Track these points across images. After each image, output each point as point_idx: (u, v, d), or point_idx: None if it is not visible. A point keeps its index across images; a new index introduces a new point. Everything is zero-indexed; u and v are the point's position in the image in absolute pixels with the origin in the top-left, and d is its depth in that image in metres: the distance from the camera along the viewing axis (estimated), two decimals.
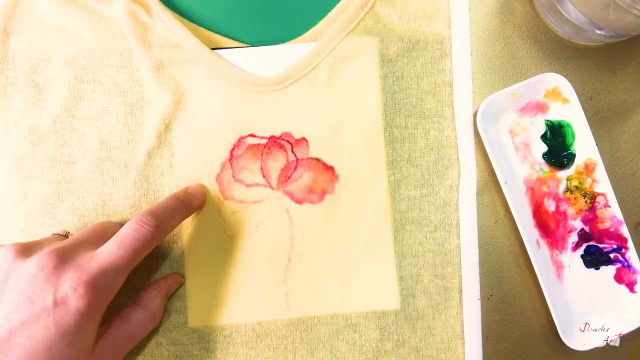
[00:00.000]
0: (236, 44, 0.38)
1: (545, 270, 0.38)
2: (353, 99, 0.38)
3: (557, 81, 0.38)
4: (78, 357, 0.29)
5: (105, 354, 0.31)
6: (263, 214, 0.37)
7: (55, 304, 0.28)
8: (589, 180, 0.39)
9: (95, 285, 0.29)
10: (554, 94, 0.38)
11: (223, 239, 0.37)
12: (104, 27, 0.37)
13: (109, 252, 0.30)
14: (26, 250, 0.30)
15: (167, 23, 0.37)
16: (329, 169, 0.38)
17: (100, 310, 0.30)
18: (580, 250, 0.39)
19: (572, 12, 0.36)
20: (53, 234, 0.36)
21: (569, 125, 0.39)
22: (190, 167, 0.37)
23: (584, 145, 0.39)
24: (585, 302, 0.38)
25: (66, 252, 0.30)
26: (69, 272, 0.29)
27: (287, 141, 0.38)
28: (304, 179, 0.37)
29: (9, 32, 0.37)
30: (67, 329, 0.28)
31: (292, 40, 0.38)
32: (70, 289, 0.28)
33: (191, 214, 0.36)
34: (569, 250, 0.39)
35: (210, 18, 0.38)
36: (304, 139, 0.38)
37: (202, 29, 0.38)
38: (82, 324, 0.28)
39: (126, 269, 0.30)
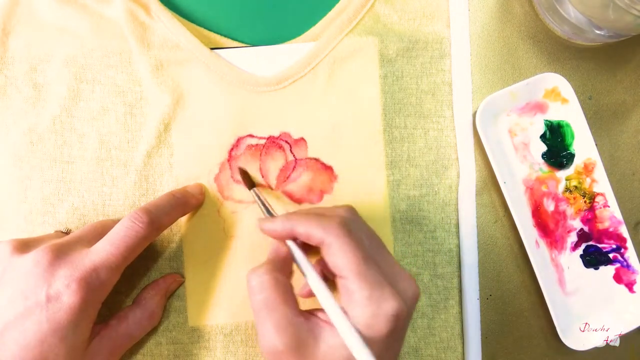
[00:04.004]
0: (236, 43, 0.38)
1: (544, 270, 0.38)
2: (352, 99, 0.38)
3: (557, 81, 0.38)
4: (71, 352, 0.29)
5: (101, 352, 0.31)
6: (262, 214, 0.37)
7: (48, 299, 0.28)
8: (588, 180, 0.39)
9: (88, 282, 0.29)
10: (553, 93, 0.38)
11: (222, 238, 0.37)
12: (103, 27, 0.37)
13: (101, 249, 0.30)
14: (24, 246, 0.31)
15: (167, 23, 0.37)
16: (328, 168, 0.38)
17: (94, 307, 0.30)
18: (580, 250, 0.39)
19: (572, 12, 0.36)
20: (55, 231, 0.36)
21: (568, 125, 0.39)
22: (190, 167, 0.37)
23: (583, 145, 0.39)
24: (584, 302, 0.38)
25: (62, 249, 0.30)
26: (62, 269, 0.29)
27: (286, 141, 0.38)
28: (302, 179, 0.37)
29: (9, 32, 0.37)
30: (60, 324, 0.28)
31: (292, 40, 0.38)
32: (63, 285, 0.29)
33: (188, 212, 0.37)
34: (568, 250, 0.39)
35: (209, 18, 0.38)
36: (302, 139, 0.38)
37: (201, 29, 0.38)
38: (74, 320, 0.29)
39: (119, 266, 0.31)
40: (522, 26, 0.39)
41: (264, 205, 0.34)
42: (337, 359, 0.27)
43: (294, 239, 0.31)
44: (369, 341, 0.26)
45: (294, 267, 0.32)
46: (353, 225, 0.30)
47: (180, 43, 0.37)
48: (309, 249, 0.31)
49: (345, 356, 0.27)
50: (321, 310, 0.29)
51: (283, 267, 0.30)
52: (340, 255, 0.28)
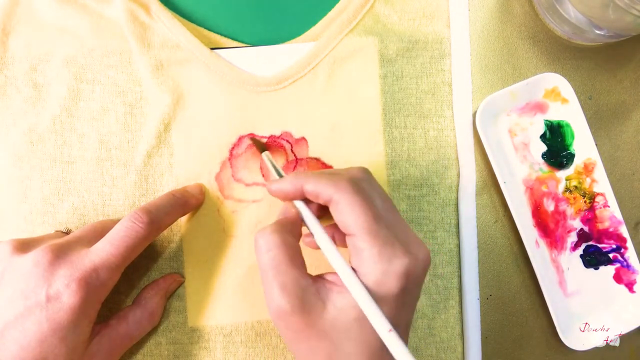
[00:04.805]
0: (236, 43, 0.38)
1: (544, 270, 0.38)
2: (352, 99, 0.38)
3: (557, 81, 0.38)
4: (71, 352, 0.29)
5: (101, 352, 0.31)
6: (262, 213, 0.37)
7: (48, 299, 0.28)
8: (588, 180, 0.39)
9: (88, 282, 0.29)
10: (553, 93, 0.38)
11: (222, 238, 0.37)
12: (103, 27, 0.37)
13: (101, 249, 0.30)
14: (24, 246, 0.31)
15: (167, 23, 0.37)
16: (328, 168, 0.38)
17: (94, 307, 0.30)
18: (580, 250, 0.39)
19: (572, 12, 0.36)
20: (55, 231, 0.36)
21: (568, 125, 0.39)
22: (190, 166, 0.37)
23: (583, 145, 0.39)
24: (584, 302, 0.38)
25: (62, 249, 0.30)
26: (62, 269, 0.29)
27: (287, 140, 0.38)
28: None
29: (9, 31, 0.37)
30: (60, 324, 0.28)
31: (292, 40, 0.38)
32: (63, 285, 0.29)
33: (187, 212, 0.37)
34: (568, 250, 0.39)
35: (210, 18, 0.38)
36: (303, 139, 0.38)
37: (201, 29, 0.38)
38: (74, 320, 0.29)
39: (119, 266, 0.31)
40: (522, 26, 0.39)
41: (274, 168, 0.33)
42: (346, 321, 0.26)
43: (303, 200, 0.30)
44: (379, 300, 0.26)
45: (303, 229, 0.31)
46: (365, 184, 0.29)
47: (180, 43, 0.37)
48: (320, 217, 0.30)
49: (354, 317, 0.26)
50: (330, 274, 0.28)
51: (292, 229, 0.29)
52: (349, 212, 0.27)
